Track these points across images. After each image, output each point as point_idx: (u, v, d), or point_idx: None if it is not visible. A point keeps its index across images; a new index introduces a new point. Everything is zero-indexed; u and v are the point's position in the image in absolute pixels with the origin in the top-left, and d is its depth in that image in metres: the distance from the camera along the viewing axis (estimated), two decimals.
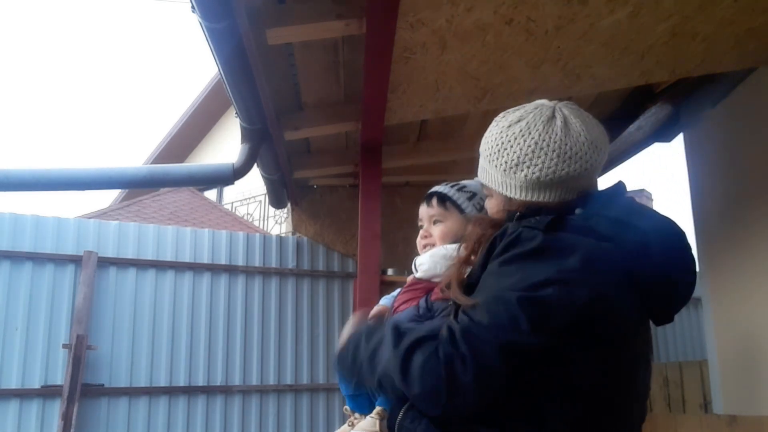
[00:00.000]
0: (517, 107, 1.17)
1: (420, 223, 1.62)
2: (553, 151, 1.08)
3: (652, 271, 1.02)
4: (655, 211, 1.13)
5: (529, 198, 1.11)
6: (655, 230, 1.04)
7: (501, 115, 1.18)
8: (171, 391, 4.52)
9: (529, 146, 1.09)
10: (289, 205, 5.31)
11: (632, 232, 1.02)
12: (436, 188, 1.61)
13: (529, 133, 1.09)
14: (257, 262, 5.01)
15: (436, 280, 1.46)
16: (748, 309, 3.44)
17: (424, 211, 1.60)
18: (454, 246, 1.44)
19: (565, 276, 0.95)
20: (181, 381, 4.56)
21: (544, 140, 1.08)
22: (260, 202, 10.34)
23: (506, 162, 1.11)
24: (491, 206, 1.21)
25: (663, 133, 4.34)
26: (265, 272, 5.02)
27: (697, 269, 1.13)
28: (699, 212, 3.95)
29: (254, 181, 8.43)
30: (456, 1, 2.49)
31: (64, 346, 4.23)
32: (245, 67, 2.92)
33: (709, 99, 3.80)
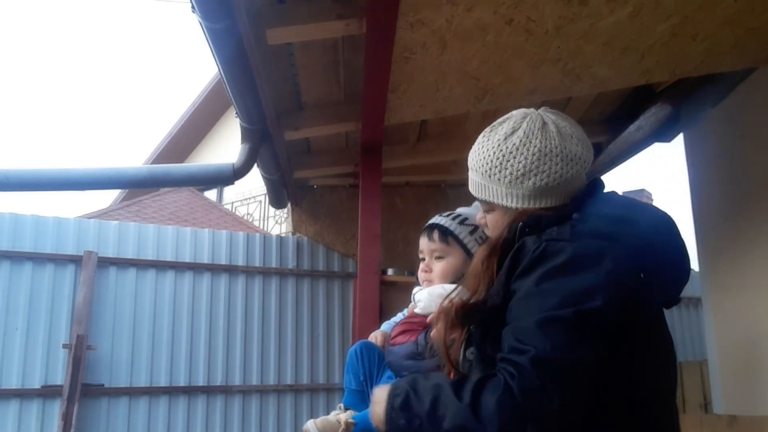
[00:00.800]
0: (501, 120, 1.18)
1: (421, 255, 1.59)
2: (557, 155, 1.11)
3: (656, 260, 1.05)
4: (637, 200, 1.16)
5: (536, 205, 1.13)
6: (649, 220, 1.08)
7: (488, 129, 1.19)
8: (171, 391, 4.52)
9: (534, 154, 1.11)
10: (289, 205, 5.31)
11: (631, 227, 1.05)
12: (438, 220, 1.58)
13: (530, 142, 1.12)
14: (257, 262, 5.01)
15: (428, 314, 1.45)
16: (748, 309, 3.44)
17: (425, 244, 1.58)
18: (450, 286, 1.43)
19: (607, 281, 0.97)
20: (181, 381, 4.56)
21: (546, 146, 1.11)
22: (260, 202, 10.34)
23: (511, 173, 1.12)
24: (494, 220, 1.20)
25: (663, 133, 4.34)
26: (265, 272, 5.02)
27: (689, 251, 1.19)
28: (699, 212, 3.95)
29: (254, 181, 8.43)
30: (456, 1, 2.49)
31: (64, 346, 4.23)
32: (245, 67, 2.92)
33: (709, 99, 3.80)
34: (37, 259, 4.33)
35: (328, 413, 1.54)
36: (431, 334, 1.36)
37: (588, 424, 0.99)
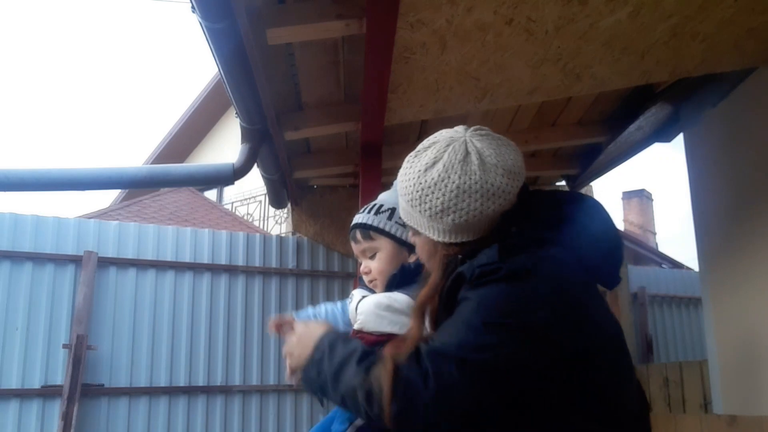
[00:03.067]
0: (426, 144, 1.13)
1: (358, 260, 1.57)
2: (476, 192, 1.06)
3: (597, 249, 1.07)
4: (565, 190, 1.16)
5: (457, 240, 1.11)
6: (581, 210, 1.08)
7: (413, 153, 1.14)
8: (171, 391, 4.52)
9: (452, 191, 1.06)
10: (289, 205, 5.31)
11: (562, 226, 1.05)
12: (356, 220, 1.55)
13: (449, 177, 1.06)
14: (257, 262, 5.01)
15: (371, 331, 1.42)
16: (748, 309, 3.44)
17: (354, 248, 1.55)
18: (399, 296, 1.42)
19: (544, 292, 0.96)
20: (181, 381, 4.56)
21: (465, 182, 1.06)
22: (260, 202, 10.34)
23: (430, 208, 1.08)
24: (420, 245, 1.19)
25: (663, 133, 4.34)
26: (265, 272, 5.02)
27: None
28: (699, 212, 3.95)
29: (254, 181, 8.44)
30: (456, 1, 2.49)
31: (64, 346, 4.23)
32: (245, 67, 2.92)
33: (709, 99, 3.80)
34: (37, 259, 4.33)
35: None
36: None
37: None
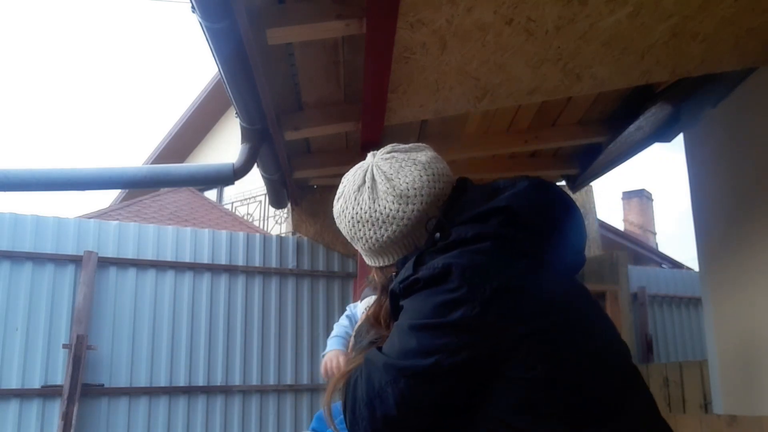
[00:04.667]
0: (349, 172, 1.18)
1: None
2: (367, 221, 1.09)
3: (540, 235, 0.99)
4: (490, 182, 1.11)
5: (379, 264, 1.14)
6: (513, 196, 1.01)
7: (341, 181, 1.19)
8: (171, 392, 4.52)
9: (349, 221, 1.12)
10: (289, 205, 5.31)
11: (494, 216, 0.99)
12: None
13: (346, 209, 1.12)
14: (257, 262, 5.01)
15: None
16: (748, 309, 3.44)
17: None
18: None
19: (448, 297, 0.93)
20: (181, 381, 4.56)
21: (357, 213, 1.10)
22: (260, 202, 10.34)
23: (346, 236, 1.16)
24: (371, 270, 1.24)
25: (663, 133, 4.34)
26: (265, 272, 5.02)
27: (567, 199, 1.10)
28: (699, 212, 3.95)
29: (254, 181, 8.44)
30: (456, 1, 2.49)
31: (64, 346, 4.24)
32: (245, 67, 2.92)
33: (709, 99, 3.80)
34: (37, 259, 4.33)
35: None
36: None
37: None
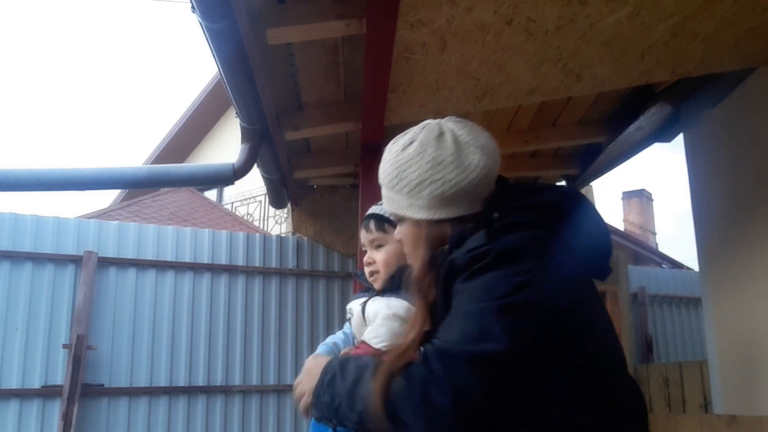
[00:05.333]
0: (403, 133, 1.18)
1: (363, 248, 1.57)
2: (450, 163, 1.09)
3: (586, 238, 1.06)
4: (540, 184, 1.17)
5: (436, 216, 1.11)
6: (556, 199, 1.07)
7: (392, 141, 1.19)
8: (171, 392, 4.52)
9: (428, 163, 1.10)
10: (289, 205, 5.31)
11: (546, 211, 1.04)
12: (372, 210, 1.55)
13: (425, 151, 1.11)
14: (257, 262, 5.01)
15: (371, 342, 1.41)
16: (748, 309, 3.44)
17: (364, 236, 1.55)
18: (395, 302, 1.42)
19: (527, 278, 0.94)
20: (181, 381, 4.56)
21: (440, 155, 1.10)
22: (260, 202, 10.34)
23: (408, 183, 1.12)
24: (404, 232, 1.18)
25: (663, 133, 4.34)
26: (265, 272, 5.02)
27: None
28: (699, 212, 3.95)
29: (254, 181, 8.43)
30: (456, 1, 2.49)
31: (64, 346, 4.24)
32: (245, 67, 2.92)
33: (709, 99, 3.80)
34: (37, 259, 4.33)
35: None
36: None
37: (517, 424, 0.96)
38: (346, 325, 1.68)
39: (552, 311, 0.94)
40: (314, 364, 1.15)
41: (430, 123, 1.16)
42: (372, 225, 1.53)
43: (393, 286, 1.46)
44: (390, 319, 1.41)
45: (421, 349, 0.98)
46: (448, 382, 0.91)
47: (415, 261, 1.15)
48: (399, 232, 1.20)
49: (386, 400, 0.94)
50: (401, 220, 1.18)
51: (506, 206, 1.05)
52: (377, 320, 1.44)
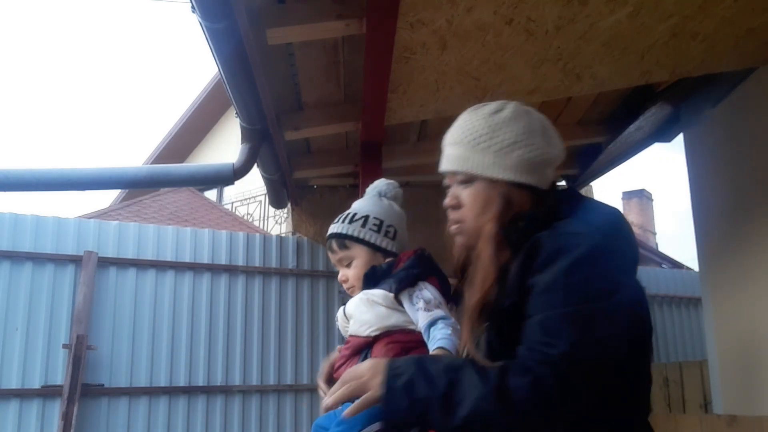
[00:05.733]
0: (483, 104, 1.22)
1: (337, 268, 1.58)
2: (540, 134, 1.16)
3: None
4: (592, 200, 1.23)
5: (519, 179, 1.14)
6: (611, 215, 1.14)
7: (471, 108, 1.22)
8: (171, 391, 4.52)
9: (522, 128, 1.15)
10: (289, 205, 5.31)
11: (616, 222, 1.11)
12: (330, 230, 1.56)
13: (518, 118, 1.17)
14: (257, 262, 5.01)
15: (356, 333, 1.41)
16: (748, 309, 3.44)
17: (331, 257, 1.57)
18: (373, 291, 1.42)
19: (626, 274, 1.04)
20: (181, 381, 4.56)
21: (531, 124, 1.17)
22: (260, 202, 10.35)
23: (500, 142, 1.15)
24: (474, 193, 1.17)
25: (663, 133, 4.34)
26: (265, 272, 5.01)
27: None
28: (699, 212, 3.95)
29: (254, 181, 8.44)
30: (456, 1, 2.49)
31: (64, 346, 4.23)
32: (245, 67, 2.92)
33: (709, 99, 3.80)
34: (37, 259, 4.32)
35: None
36: (377, 347, 1.35)
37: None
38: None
39: (642, 315, 1.05)
40: (358, 370, 1.08)
41: (509, 101, 1.22)
42: (335, 245, 1.54)
43: (367, 284, 1.47)
44: (372, 304, 1.41)
45: (533, 347, 0.97)
46: (582, 387, 0.94)
47: (482, 221, 1.15)
48: (467, 192, 1.19)
49: (507, 401, 0.94)
50: (471, 180, 1.18)
51: (580, 208, 1.10)
52: (360, 309, 1.44)
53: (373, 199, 1.58)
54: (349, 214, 1.55)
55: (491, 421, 0.95)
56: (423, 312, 1.32)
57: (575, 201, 1.12)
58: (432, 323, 1.30)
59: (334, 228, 1.55)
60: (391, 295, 1.38)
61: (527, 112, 1.18)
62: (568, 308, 0.96)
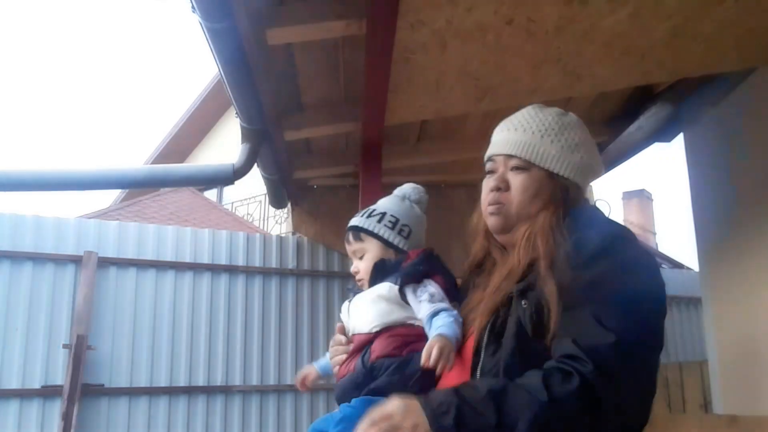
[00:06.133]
0: (540, 107, 1.32)
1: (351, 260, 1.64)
2: (595, 147, 1.29)
3: None
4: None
5: (576, 179, 1.22)
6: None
7: (536, 105, 1.29)
8: (171, 391, 4.52)
9: (586, 135, 1.26)
10: (289, 205, 5.31)
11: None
12: (351, 222, 1.60)
13: (582, 126, 1.27)
14: (257, 262, 5.01)
15: (359, 331, 1.43)
16: (748, 309, 3.44)
17: (347, 249, 1.62)
18: (379, 285, 1.43)
19: (661, 278, 1.10)
20: (182, 381, 4.56)
21: (590, 136, 1.28)
22: (260, 202, 10.35)
23: (568, 140, 1.22)
24: (527, 181, 1.21)
25: (663, 133, 4.34)
26: (266, 272, 5.01)
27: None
28: (699, 212, 3.95)
29: (254, 181, 8.43)
30: (456, 1, 2.49)
31: (65, 346, 4.23)
32: (245, 67, 2.92)
33: (709, 99, 3.80)
34: (37, 259, 4.32)
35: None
36: (375, 346, 1.35)
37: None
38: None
39: (662, 325, 1.09)
40: (384, 410, 1.00)
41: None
42: (350, 237, 1.58)
43: (376, 277, 1.49)
44: (374, 302, 1.43)
45: (579, 344, 0.99)
46: (634, 377, 1.00)
47: (530, 209, 1.20)
48: (519, 178, 1.22)
49: (561, 407, 0.95)
50: (527, 167, 1.22)
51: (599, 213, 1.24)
52: (362, 307, 1.46)
53: (395, 199, 1.62)
54: (369, 209, 1.61)
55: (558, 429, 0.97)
56: (426, 303, 1.34)
57: (599, 212, 1.23)
58: (435, 313, 1.32)
59: (353, 221, 1.60)
60: (396, 287, 1.39)
61: (584, 125, 1.28)
62: (614, 306, 1.00)
